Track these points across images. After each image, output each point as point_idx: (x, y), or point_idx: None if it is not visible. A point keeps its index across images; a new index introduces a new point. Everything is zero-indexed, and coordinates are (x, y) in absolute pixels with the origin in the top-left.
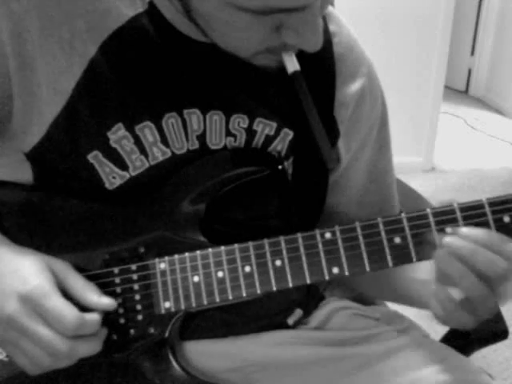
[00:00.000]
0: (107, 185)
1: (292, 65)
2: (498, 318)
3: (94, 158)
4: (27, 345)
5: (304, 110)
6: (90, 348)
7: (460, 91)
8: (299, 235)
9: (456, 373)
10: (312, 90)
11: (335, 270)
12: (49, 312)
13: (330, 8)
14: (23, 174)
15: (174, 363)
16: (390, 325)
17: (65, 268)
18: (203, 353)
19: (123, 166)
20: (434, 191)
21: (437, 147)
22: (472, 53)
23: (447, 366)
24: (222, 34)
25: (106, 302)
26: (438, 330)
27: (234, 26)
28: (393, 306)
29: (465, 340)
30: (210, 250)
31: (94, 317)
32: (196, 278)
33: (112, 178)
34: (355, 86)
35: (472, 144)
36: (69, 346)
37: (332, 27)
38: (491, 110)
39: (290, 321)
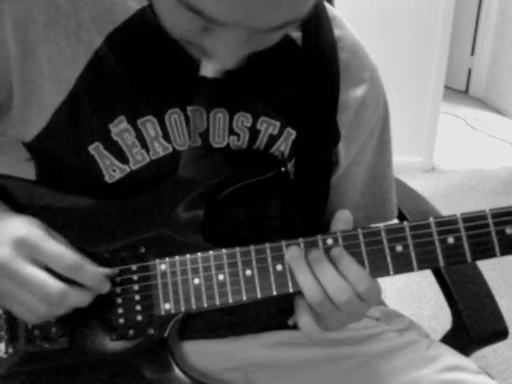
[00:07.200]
0: (107, 178)
1: (206, 71)
2: (498, 318)
3: (95, 149)
4: (21, 292)
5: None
6: (81, 296)
7: (460, 91)
8: (301, 240)
9: (456, 373)
10: (316, 93)
11: None
12: (45, 253)
13: (335, 12)
14: (26, 172)
15: (173, 364)
16: (389, 325)
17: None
18: (203, 353)
19: (124, 160)
20: (434, 191)
21: (437, 147)
22: (472, 53)
23: (447, 365)
24: (155, 7)
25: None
26: (438, 330)
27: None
28: (393, 306)
29: (465, 340)
30: (211, 252)
31: (91, 268)
32: (196, 281)
33: (112, 170)
34: (358, 91)
35: (472, 144)
36: (61, 289)
37: (337, 32)
38: (491, 109)
39: (290, 321)
